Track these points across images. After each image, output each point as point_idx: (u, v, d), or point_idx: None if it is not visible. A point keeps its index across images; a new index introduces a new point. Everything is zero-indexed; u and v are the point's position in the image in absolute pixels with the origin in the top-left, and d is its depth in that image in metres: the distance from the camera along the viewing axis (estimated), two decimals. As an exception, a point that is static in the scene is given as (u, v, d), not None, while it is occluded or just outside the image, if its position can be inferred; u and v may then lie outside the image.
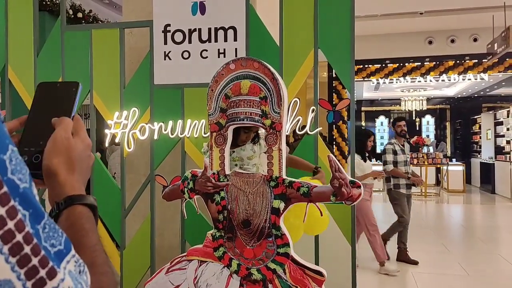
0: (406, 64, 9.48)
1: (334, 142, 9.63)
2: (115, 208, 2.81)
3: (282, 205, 1.91)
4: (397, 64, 9.55)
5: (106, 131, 2.79)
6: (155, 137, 2.71)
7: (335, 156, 1.89)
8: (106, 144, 2.87)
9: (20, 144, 0.66)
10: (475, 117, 13.84)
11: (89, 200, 0.62)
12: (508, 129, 10.67)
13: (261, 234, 1.92)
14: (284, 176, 1.94)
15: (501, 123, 11.49)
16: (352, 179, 1.83)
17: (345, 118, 9.23)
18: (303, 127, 2.44)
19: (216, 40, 2.62)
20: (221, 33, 2.61)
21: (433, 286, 4.41)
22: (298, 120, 2.39)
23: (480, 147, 12.92)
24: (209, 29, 2.63)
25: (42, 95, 0.71)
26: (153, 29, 2.72)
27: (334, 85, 9.78)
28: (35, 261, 0.41)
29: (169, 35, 2.69)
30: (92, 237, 0.58)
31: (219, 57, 2.60)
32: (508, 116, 10.70)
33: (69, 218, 0.59)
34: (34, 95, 0.71)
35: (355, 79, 2.54)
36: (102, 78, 2.85)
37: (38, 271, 0.41)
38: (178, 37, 2.67)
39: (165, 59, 2.70)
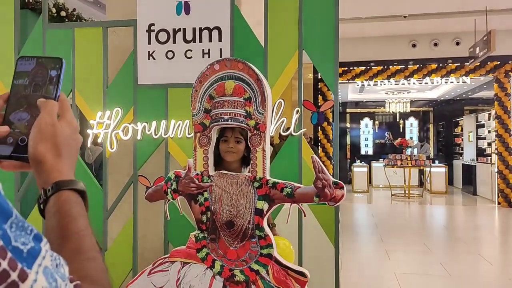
0: (390, 66, 9.58)
1: (319, 144, 9.68)
2: (96, 209, 2.78)
3: (265, 206, 1.91)
4: (382, 67, 9.65)
5: (88, 131, 2.76)
6: (139, 137, 2.68)
7: (320, 158, 1.89)
8: (88, 144, 2.83)
9: (4, 123, 0.63)
10: (458, 119, 14.06)
11: (78, 185, 0.61)
12: (489, 132, 10.87)
13: (245, 235, 1.92)
14: (268, 177, 1.94)
15: (482, 126, 11.69)
16: (335, 180, 1.84)
17: (330, 120, 9.29)
18: (288, 128, 2.44)
19: (200, 40, 2.61)
20: (205, 33, 2.60)
21: (415, 286, 4.45)
22: (283, 121, 2.40)
23: (462, 149, 13.13)
24: (194, 29, 2.61)
25: (23, 69, 0.67)
26: (137, 28, 2.69)
27: (319, 86, 9.84)
28: (4, 264, 0.39)
29: (153, 34, 2.67)
30: (79, 223, 0.57)
31: (203, 57, 2.59)
32: (489, 119, 10.90)
33: (56, 204, 0.58)
34: (15, 69, 0.67)
35: (340, 81, 2.55)
36: (84, 77, 2.81)
37: (9, 275, 0.39)
38: (162, 36, 2.66)
39: (149, 58, 2.67)
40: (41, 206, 0.60)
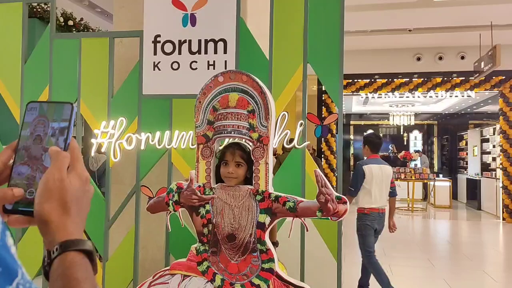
0: (395, 79, 9.59)
1: (322, 155, 9.66)
2: (98, 218, 2.77)
3: (268, 220, 1.89)
4: (386, 80, 9.65)
5: (93, 140, 2.76)
6: (142, 147, 2.68)
7: (323, 170, 1.88)
8: (92, 154, 2.83)
9: (13, 173, 0.60)
10: (462, 133, 14.01)
11: (85, 245, 0.57)
12: (494, 146, 10.81)
13: (246, 249, 1.90)
14: (271, 190, 1.92)
15: (487, 140, 11.64)
16: (338, 194, 1.82)
17: (334, 132, 9.28)
18: (291, 140, 2.43)
19: (206, 52, 2.62)
20: (211, 45, 2.61)
21: (418, 302, 4.40)
22: (286, 134, 2.39)
23: (467, 163, 13.05)
24: (199, 41, 2.62)
25: (28, 119, 0.63)
26: (143, 39, 2.71)
27: (323, 98, 9.85)
28: None
29: (159, 45, 2.68)
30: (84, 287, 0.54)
31: (208, 69, 2.60)
32: (494, 134, 10.85)
33: (60, 267, 0.54)
34: (23, 115, 0.64)
35: (344, 93, 2.55)
36: (90, 87, 2.82)
37: None
38: (168, 48, 2.67)
39: (154, 69, 2.68)
40: (46, 268, 0.56)
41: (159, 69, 2.68)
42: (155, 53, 2.68)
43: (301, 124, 2.44)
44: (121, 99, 2.78)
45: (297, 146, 2.44)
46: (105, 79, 2.79)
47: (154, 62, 2.68)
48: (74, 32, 5.51)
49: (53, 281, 0.54)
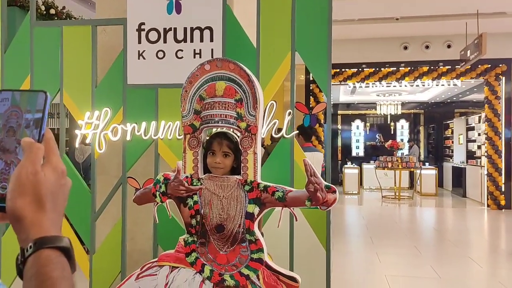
0: (382, 68, 9.61)
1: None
2: (84, 211, 2.72)
3: (256, 210, 1.87)
4: (373, 69, 9.67)
5: (77, 131, 2.70)
6: (128, 138, 2.63)
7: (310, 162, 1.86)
8: (76, 145, 2.78)
9: None
10: (448, 122, 14.16)
11: (61, 241, 0.53)
12: (479, 134, 10.95)
13: (235, 239, 1.88)
14: (259, 180, 1.90)
15: (472, 128, 11.78)
16: (327, 184, 1.81)
17: (322, 121, 9.29)
18: (279, 130, 2.41)
19: (192, 40, 2.57)
20: (197, 33, 2.56)
21: (406, 289, 4.45)
22: (275, 123, 2.36)
23: (452, 152, 13.22)
24: (185, 29, 2.57)
25: (3, 104, 0.60)
26: (127, 27, 2.64)
27: (311, 88, 9.83)
28: None
29: (143, 33, 2.62)
30: (60, 287, 0.50)
31: (194, 57, 2.55)
32: (479, 122, 10.98)
33: (34, 266, 0.51)
34: None
35: (332, 83, 2.53)
36: (73, 76, 2.75)
37: None
38: (153, 36, 2.61)
39: (139, 58, 2.63)
40: (20, 266, 0.53)
41: (144, 58, 2.62)
42: (139, 42, 2.62)
43: (289, 113, 2.42)
44: (105, 89, 2.72)
45: (285, 135, 2.42)
46: (88, 68, 2.73)
47: (138, 51, 2.63)
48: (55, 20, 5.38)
49: (27, 281, 0.51)
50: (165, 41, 2.59)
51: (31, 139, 0.57)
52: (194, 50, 2.56)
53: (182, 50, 2.57)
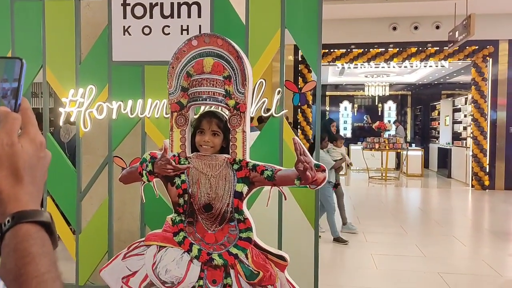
0: (371, 49, 9.57)
1: (298, 126, 9.66)
2: (70, 190, 2.68)
3: (245, 189, 1.85)
4: (362, 50, 9.62)
5: (61, 109, 2.64)
6: (114, 116, 2.58)
7: (300, 140, 1.84)
8: (60, 123, 2.71)
9: None
10: (435, 103, 14.25)
11: (41, 216, 0.51)
12: (465, 116, 11.05)
13: (223, 219, 1.87)
14: (248, 159, 1.88)
15: (459, 110, 11.89)
16: (317, 162, 1.79)
17: (310, 102, 9.27)
18: (268, 109, 2.38)
19: (179, 16, 2.50)
20: (184, 8, 2.49)
21: (391, 267, 4.52)
22: (264, 102, 2.33)
23: (439, 133, 13.35)
24: (172, 4, 2.50)
25: None
26: (111, 1, 2.56)
27: (299, 68, 9.77)
28: None
29: (128, 8, 2.54)
30: (40, 264, 0.47)
31: (182, 34, 2.49)
32: (465, 103, 11.07)
33: (12, 241, 0.48)
34: None
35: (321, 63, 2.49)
36: (56, 53, 2.67)
37: None
38: (139, 11, 2.53)
39: (124, 34, 2.55)
40: None
41: (129, 34, 2.55)
42: (124, 17, 2.55)
43: (278, 92, 2.38)
44: (89, 66, 2.65)
45: (275, 114, 2.39)
46: (72, 44, 2.65)
47: (124, 27, 2.55)
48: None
49: (4, 257, 0.48)
50: (151, 17, 2.52)
51: (7, 109, 0.53)
52: (181, 26, 2.49)
53: (169, 26, 2.51)
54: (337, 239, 5.14)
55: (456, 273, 4.19)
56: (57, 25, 2.66)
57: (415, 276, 4.20)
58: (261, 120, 5.63)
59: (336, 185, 5.55)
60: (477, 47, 9.05)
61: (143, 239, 2.04)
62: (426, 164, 12.68)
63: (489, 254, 4.80)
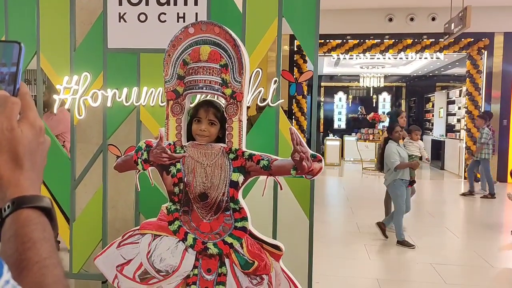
0: (367, 40, 9.55)
1: (293, 117, 9.66)
2: (64, 178, 2.66)
3: (241, 178, 1.85)
4: (358, 40, 9.60)
5: (55, 96, 2.61)
6: (109, 104, 2.55)
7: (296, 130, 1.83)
8: (55, 111, 2.68)
9: None
10: (429, 95, 14.29)
11: (41, 201, 0.50)
12: (459, 108, 11.09)
13: (219, 208, 1.86)
14: (244, 149, 1.87)
15: (453, 102, 11.93)
16: (313, 152, 1.79)
17: (305, 93, 9.26)
18: (264, 99, 2.37)
19: (175, 3, 2.46)
20: (180, -5, 2.45)
21: (384, 257, 4.56)
22: (260, 91, 2.32)
23: (433, 125, 13.41)
24: (168, -9, 2.46)
25: None
26: (107, -13, 2.52)
27: (295, 58, 9.74)
28: None
29: (124, -5, 2.50)
30: (41, 249, 0.47)
31: (178, 21, 2.46)
32: (460, 96, 11.11)
33: (13, 226, 0.47)
34: None
35: (317, 53, 2.48)
36: (50, 39, 2.63)
37: None
38: (134, -2, 2.50)
39: (119, 21, 2.52)
40: None
41: (125, 21, 2.51)
42: (120, 3, 2.51)
43: (275, 82, 2.37)
44: (84, 53, 2.61)
45: (271, 104, 2.38)
46: (66, 31, 2.60)
47: (119, 13, 2.51)
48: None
49: (4, 242, 0.48)
50: (147, 3, 2.48)
51: (6, 93, 0.52)
52: (178, 13, 2.46)
53: (165, 14, 2.47)
54: (402, 243, 4.70)
55: (448, 264, 4.24)
56: (51, 11, 2.62)
57: (407, 267, 4.24)
58: (257, 109, 5.60)
59: (412, 183, 5.13)
60: (472, 39, 9.07)
61: (138, 227, 2.04)
62: (419, 156, 12.74)
63: (481, 246, 4.85)
